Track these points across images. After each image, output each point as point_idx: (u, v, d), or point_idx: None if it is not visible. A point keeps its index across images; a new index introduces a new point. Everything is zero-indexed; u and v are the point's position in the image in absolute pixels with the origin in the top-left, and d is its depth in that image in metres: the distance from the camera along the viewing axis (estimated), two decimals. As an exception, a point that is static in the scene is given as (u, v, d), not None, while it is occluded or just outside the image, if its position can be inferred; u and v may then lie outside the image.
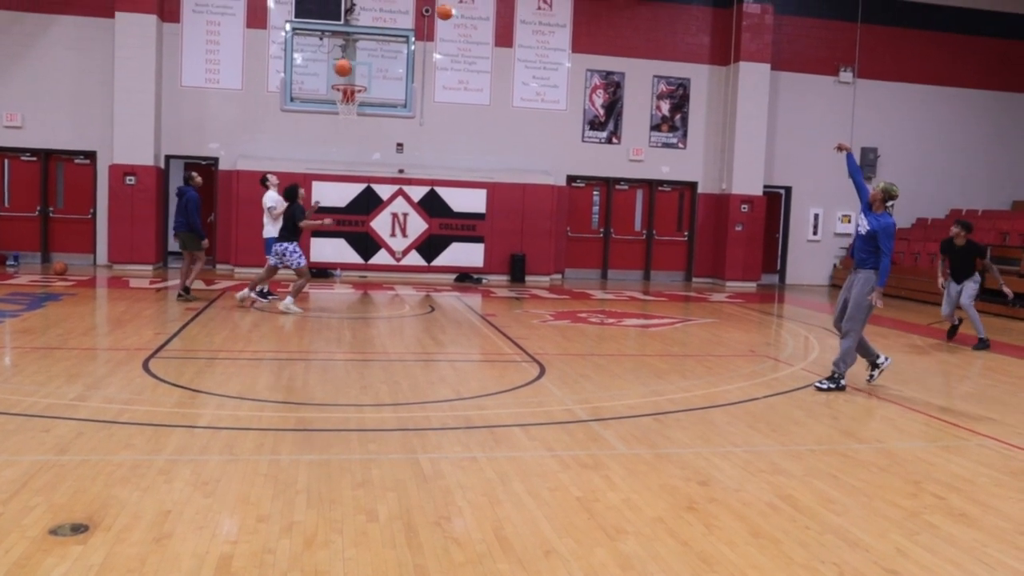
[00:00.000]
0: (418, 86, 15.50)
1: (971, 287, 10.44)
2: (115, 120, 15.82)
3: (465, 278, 16.80)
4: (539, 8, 17.69)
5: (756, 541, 3.92)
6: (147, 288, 13.36)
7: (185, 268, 12.06)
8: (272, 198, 11.80)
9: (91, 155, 16.45)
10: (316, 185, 16.26)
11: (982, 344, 10.31)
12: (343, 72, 11.91)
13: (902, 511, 4.41)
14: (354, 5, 13.13)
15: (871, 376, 7.72)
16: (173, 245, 18.46)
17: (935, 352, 9.99)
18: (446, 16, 12.24)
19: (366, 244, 16.57)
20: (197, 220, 11.64)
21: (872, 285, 7.29)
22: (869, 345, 7.69)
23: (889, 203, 7.45)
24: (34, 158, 16.39)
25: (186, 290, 12.01)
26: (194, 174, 11.97)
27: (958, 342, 10.67)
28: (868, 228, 7.32)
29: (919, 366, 8.95)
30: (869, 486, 4.80)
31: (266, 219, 11.88)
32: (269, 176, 12.17)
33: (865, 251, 7.38)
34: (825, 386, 7.42)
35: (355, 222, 16.46)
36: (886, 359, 7.71)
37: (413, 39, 13.08)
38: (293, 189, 11.10)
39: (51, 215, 16.68)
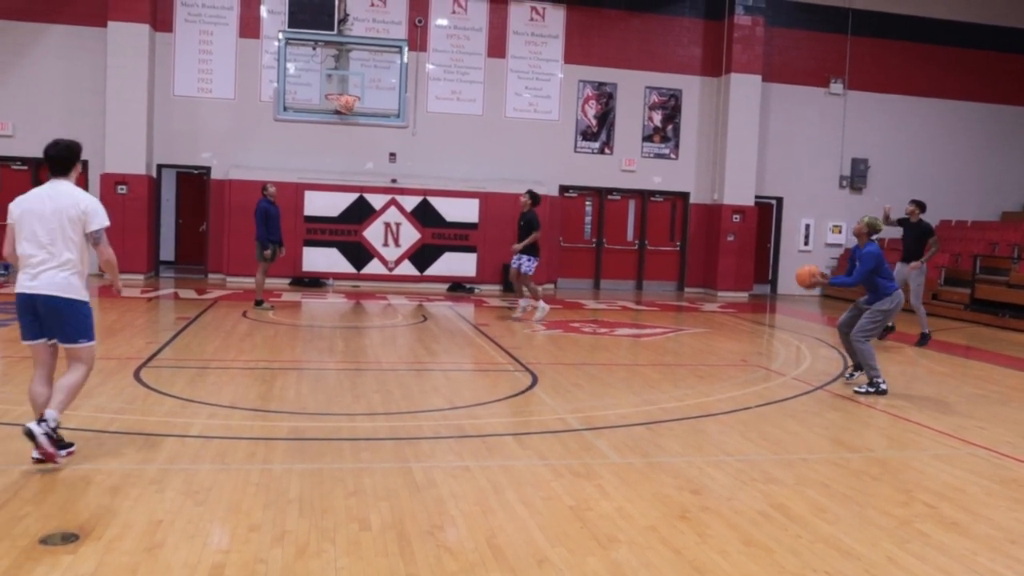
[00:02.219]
0: (411, 96, 15.52)
1: (918, 280, 10.96)
2: (107, 129, 15.79)
3: (458, 288, 16.80)
4: (531, 19, 17.77)
5: (748, 550, 3.93)
6: (139, 298, 13.31)
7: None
8: None
9: (83, 164, 16.37)
10: (309, 195, 16.27)
11: (924, 339, 10.91)
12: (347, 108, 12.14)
13: (893, 520, 4.42)
14: (347, 15, 13.14)
15: (852, 375, 8.15)
16: (164, 255, 18.49)
17: (925, 362, 10.03)
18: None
19: (359, 254, 16.56)
20: (261, 230, 11.93)
21: (883, 309, 7.65)
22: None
23: (873, 236, 7.88)
24: (25, 167, 16.34)
25: (258, 303, 12.17)
26: (268, 185, 12.34)
27: (896, 339, 11.26)
28: (858, 264, 7.71)
29: (909, 375, 8.99)
30: (860, 495, 4.82)
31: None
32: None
33: (868, 290, 7.80)
34: (864, 390, 7.66)
35: (348, 232, 16.46)
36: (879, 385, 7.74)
37: (406, 49, 13.10)
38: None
39: (42, 224, 16.59)
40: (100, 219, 4.86)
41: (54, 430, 4.61)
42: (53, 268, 4.72)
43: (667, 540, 4.00)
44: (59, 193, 4.83)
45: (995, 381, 8.85)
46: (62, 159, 4.95)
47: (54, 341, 4.86)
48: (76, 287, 4.79)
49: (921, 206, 11.25)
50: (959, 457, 5.74)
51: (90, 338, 4.87)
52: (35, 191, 4.94)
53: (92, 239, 4.85)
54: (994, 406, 7.51)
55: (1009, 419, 7.01)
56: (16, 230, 4.81)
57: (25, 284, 4.75)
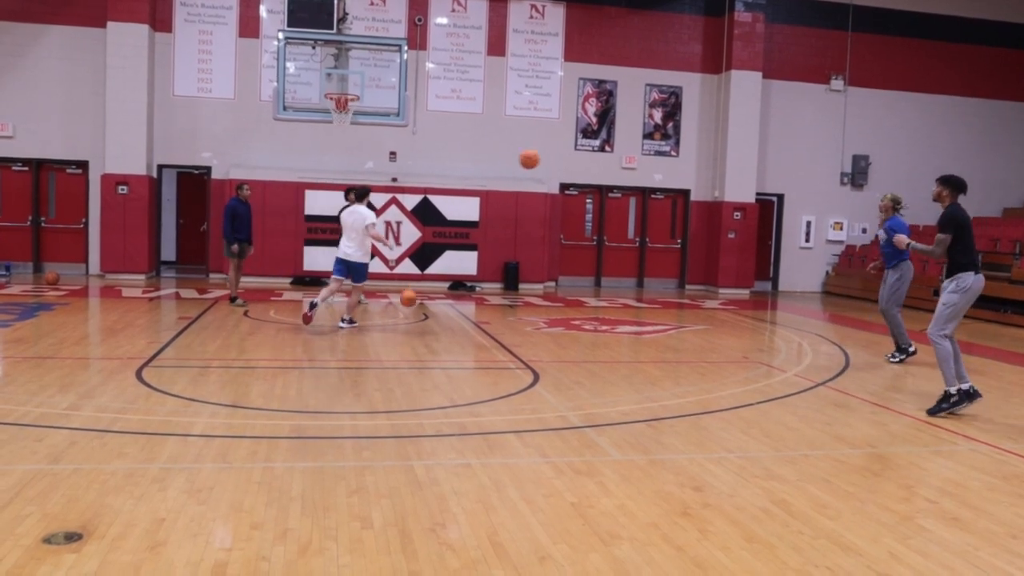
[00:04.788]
0: (411, 95, 15.53)
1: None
2: (107, 130, 15.80)
3: (459, 286, 16.81)
4: (531, 17, 17.76)
5: (750, 546, 3.93)
6: (140, 297, 13.33)
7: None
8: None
9: (83, 164, 16.43)
10: (309, 193, 16.27)
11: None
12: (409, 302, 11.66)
13: (895, 515, 4.43)
14: (347, 14, 13.14)
15: (896, 356, 9.39)
16: (166, 255, 18.50)
17: (926, 357, 10.02)
18: None
19: (359, 252, 16.54)
20: (226, 228, 12.25)
21: (905, 276, 9.30)
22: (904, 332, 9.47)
23: (899, 209, 9.41)
24: (25, 168, 16.36)
25: (232, 299, 12.54)
26: (243, 185, 12.64)
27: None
28: (885, 235, 9.04)
29: (911, 371, 8.99)
30: (862, 491, 4.82)
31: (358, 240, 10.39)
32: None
33: (890, 254, 9.23)
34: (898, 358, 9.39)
35: (348, 231, 16.45)
36: (908, 354, 9.44)
37: (406, 48, 13.11)
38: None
39: (43, 225, 16.64)
40: (371, 219, 10.20)
41: (350, 321, 10.49)
42: (353, 247, 10.22)
43: (669, 537, 4.01)
44: (356, 211, 10.24)
45: (996, 376, 8.85)
46: (361, 195, 10.40)
47: (342, 280, 10.47)
48: (364, 255, 10.30)
49: (951, 184, 7.44)
50: (960, 453, 5.74)
51: (363, 281, 10.49)
52: (349, 208, 10.39)
53: (369, 228, 10.16)
54: (995, 401, 7.51)
55: (1010, 414, 7.01)
56: (343, 224, 10.30)
57: (342, 252, 10.27)
